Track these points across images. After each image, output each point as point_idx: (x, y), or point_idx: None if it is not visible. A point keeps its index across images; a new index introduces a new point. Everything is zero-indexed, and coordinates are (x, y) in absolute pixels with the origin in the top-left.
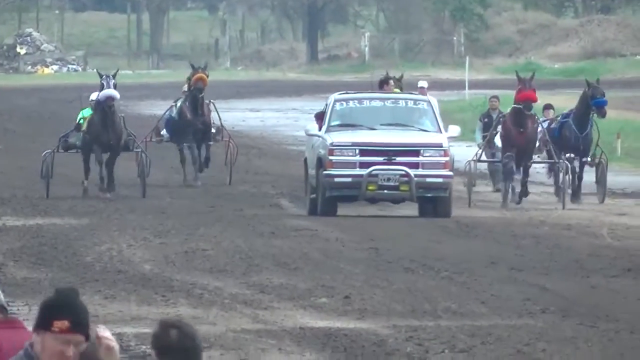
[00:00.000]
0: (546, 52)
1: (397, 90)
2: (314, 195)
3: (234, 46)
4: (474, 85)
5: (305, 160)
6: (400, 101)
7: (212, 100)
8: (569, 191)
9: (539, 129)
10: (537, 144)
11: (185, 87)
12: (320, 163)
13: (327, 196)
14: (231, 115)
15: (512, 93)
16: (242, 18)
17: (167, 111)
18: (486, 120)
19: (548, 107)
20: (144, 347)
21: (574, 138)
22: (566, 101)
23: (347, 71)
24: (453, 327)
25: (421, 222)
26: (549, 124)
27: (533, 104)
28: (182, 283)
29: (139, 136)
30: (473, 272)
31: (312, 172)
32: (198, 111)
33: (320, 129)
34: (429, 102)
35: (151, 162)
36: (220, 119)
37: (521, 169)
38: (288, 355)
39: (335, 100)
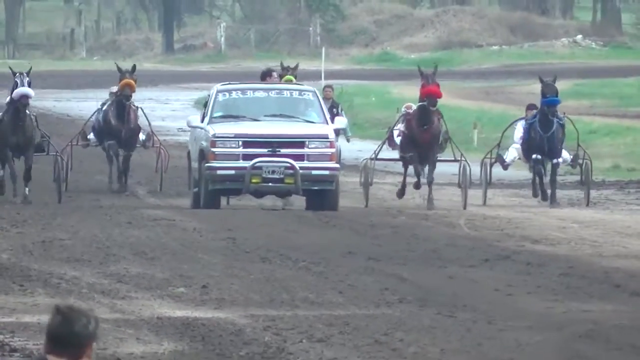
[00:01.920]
0: (402, 42)
1: (292, 78)
2: (197, 189)
3: (89, 36)
4: (330, 75)
5: (189, 153)
6: (285, 92)
7: (140, 107)
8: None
9: (443, 126)
10: (440, 140)
11: (114, 89)
12: (203, 155)
13: (210, 189)
14: (87, 105)
15: (367, 83)
16: (97, 8)
17: (93, 114)
18: None
19: (531, 107)
20: (0, 336)
21: (538, 138)
22: None
23: (203, 61)
24: (311, 316)
25: (277, 212)
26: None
27: (437, 99)
28: (39, 272)
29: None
30: (330, 262)
31: (195, 165)
32: (124, 118)
33: (202, 120)
34: (314, 92)
35: (70, 167)
36: (149, 124)
37: (426, 168)
38: (146, 345)
39: (218, 91)
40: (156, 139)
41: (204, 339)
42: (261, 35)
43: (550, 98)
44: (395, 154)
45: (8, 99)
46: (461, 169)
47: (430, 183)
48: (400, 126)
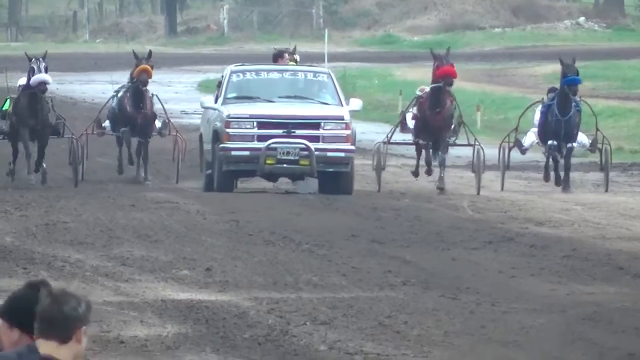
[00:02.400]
0: (405, 24)
1: (293, 63)
2: (209, 171)
3: (92, 18)
4: (333, 58)
5: (200, 135)
6: (300, 73)
7: (155, 94)
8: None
9: (456, 110)
10: (453, 125)
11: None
12: (217, 136)
13: (224, 170)
14: (91, 87)
15: (370, 66)
16: None
17: (108, 101)
18: None
19: (552, 90)
20: None
21: (555, 122)
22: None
23: (206, 44)
24: (314, 299)
25: (281, 195)
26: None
27: (453, 79)
28: (43, 255)
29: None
30: (334, 245)
31: (207, 146)
32: (139, 105)
33: (215, 101)
34: (329, 74)
35: (85, 150)
36: (165, 111)
37: (438, 152)
38: (150, 328)
39: (232, 72)
40: (173, 126)
41: (208, 322)
42: (264, 18)
43: (571, 77)
44: (408, 137)
45: (23, 84)
46: (475, 153)
47: (442, 163)
48: (414, 109)
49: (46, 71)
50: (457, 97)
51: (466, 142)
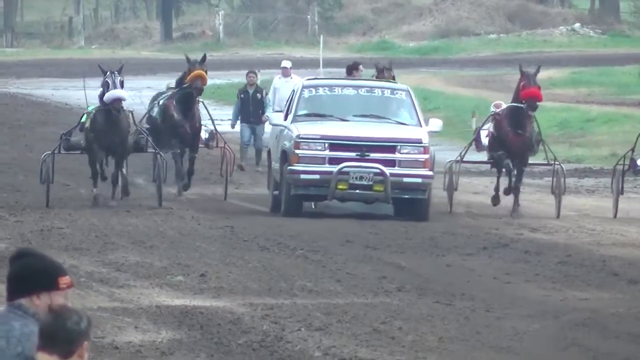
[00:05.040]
0: (400, 30)
1: (391, 80)
2: (277, 192)
3: (87, 24)
4: (328, 63)
5: (269, 151)
6: (376, 90)
7: (201, 100)
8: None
9: (535, 128)
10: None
11: (172, 83)
12: (285, 157)
13: (292, 194)
14: (87, 93)
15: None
16: None
17: (147, 112)
18: (242, 96)
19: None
20: None
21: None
22: (421, 80)
23: (201, 49)
24: (309, 305)
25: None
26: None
27: (538, 104)
28: None
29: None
30: (328, 251)
31: (276, 165)
32: (188, 114)
33: (285, 118)
34: (408, 91)
35: (167, 164)
36: (213, 121)
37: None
38: (144, 334)
39: (304, 87)
40: (220, 137)
41: (203, 328)
42: (259, 24)
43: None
44: (481, 156)
45: (99, 100)
46: (554, 173)
47: (517, 189)
48: (489, 126)
49: (122, 86)
50: (452, 103)
51: (545, 162)
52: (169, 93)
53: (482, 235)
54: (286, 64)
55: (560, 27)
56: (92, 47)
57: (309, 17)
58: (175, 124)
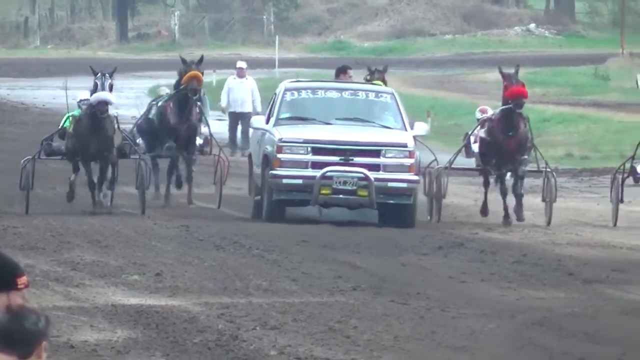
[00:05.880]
0: (356, 31)
1: (380, 83)
2: (258, 197)
3: (43, 24)
4: (284, 63)
5: (250, 156)
6: (360, 92)
7: (200, 104)
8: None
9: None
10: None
11: (163, 90)
12: (267, 161)
13: (274, 199)
14: (42, 92)
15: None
16: None
17: (144, 114)
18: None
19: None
20: None
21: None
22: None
23: (157, 50)
24: (264, 304)
25: (230, 199)
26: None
27: (524, 100)
28: None
29: None
30: (284, 250)
31: (257, 170)
32: (184, 115)
33: (267, 121)
34: (392, 94)
35: (151, 171)
36: (209, 126)
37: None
38: (100, 332)
39: (286, 90)
40: (216, 143)
41: (158, 327)
42: (215, 24)
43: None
44: (471, 163)
45: (84, 99)
46: (545, 180)
47: (519, 196)
48: (480, 132)
49: (111, 89)
50: (408, 103)
51: (536, 168)
52: (167, 95)
53: (438, 235)
54: (241, 64)
55: (516, 28)
56: (47, 47)
57: (265, 17)
58: (172, 127)
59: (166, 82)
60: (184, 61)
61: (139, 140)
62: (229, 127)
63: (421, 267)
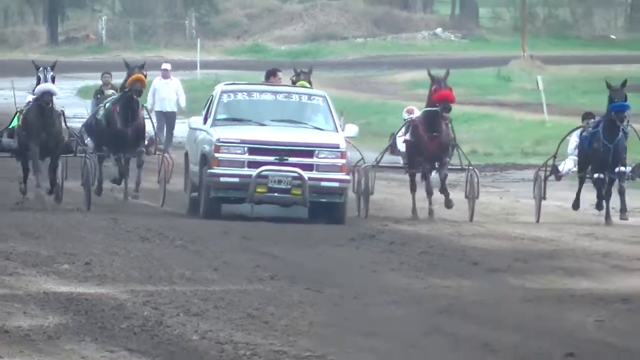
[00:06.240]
0: (273, 34)
1: (305, 83)
2: (195, 194)
3: None
4: (205, 65)
5: (186, 154)
6: (294, 95)
7: (146, 105)
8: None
9: (451, 133)
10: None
11: (109, 92)
12: (205, 160)
13: (212, 197)
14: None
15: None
16: None
17: (92, 115)
18: (99, 96)
19: (587, 116)
20: None
21: (602, 149)
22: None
23: (85, 52)
24: (187, 292)
25: (154, 193)
26: (581, 133)
27: (451, 105)
28: None
29: None
30: (206, 241)
31: (194, 168)
32: (131, 117)
33: (204, 122)
34: (324, 97)
35: (65, 176)
36: (154, 127)
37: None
38: (32, 318)
39: (222, 92)
40: (159, 144)
41: (87, 313)
42: (139, 28)
43: (619, 103)
44: (397, 160)
45: (32, 94)
46: (468, 178)
47: (443, 179)
48: (405, 132)
49: (53, 81)
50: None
51: (459, 166)
52: (114, 97)
53: (351, 227)
54: (166, 66)
55: (423, 32)
56: None
57: (186, 22)
58: (119, 128)
59: (94, 83)
60: (127, 65)
61: (87, 140)
62: (157, 126)
63: (335, 257)
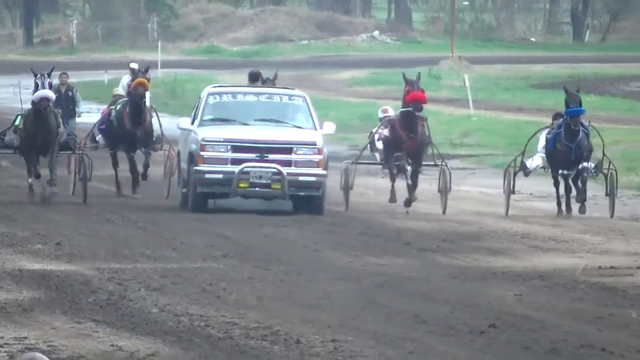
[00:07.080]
0: (227, 37)
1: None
2: (185, 190)
3: None
4: (166, 65)
5: (179, 153)
6: (275, 96)
7: (154, 106)
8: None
9: (426, 131)
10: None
11: (119, 90)
12: (192, 158)
13: (198, 192)
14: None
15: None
16: None
17: (103, 115)
18: (57, 95)
19: (557, 116)
20: None
21: (564, 149)
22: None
23: (58, 53)
24: (148, 269)
25: (120, 181)
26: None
27: (423, 105)
28: None
29: None
30: (165, 223)
31: (184, 166)
32: (138, 119)
33: (192, 122)
34: (304, 97)
35: (93, 165)
36: (161, 125)
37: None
38: (8, 293)
39: (209, 94)
40: (166, 140)
41: (58, 288)
42: (107, 31)
43: (573, 108)
44: (375, 158)
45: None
46: (441, 173)
47: (412, 186)
48: (384, 131)
49: (50, 87)
50: None
51: (432, 162)
52: (123, 101)
53: (296, 211)
54: (134, 65)
55: (362, 35)
56: None
57: (149, 25)
58: (129, 129)
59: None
60: (132, 70)
61: (99, 137)
62: None
63: (281, 237)
